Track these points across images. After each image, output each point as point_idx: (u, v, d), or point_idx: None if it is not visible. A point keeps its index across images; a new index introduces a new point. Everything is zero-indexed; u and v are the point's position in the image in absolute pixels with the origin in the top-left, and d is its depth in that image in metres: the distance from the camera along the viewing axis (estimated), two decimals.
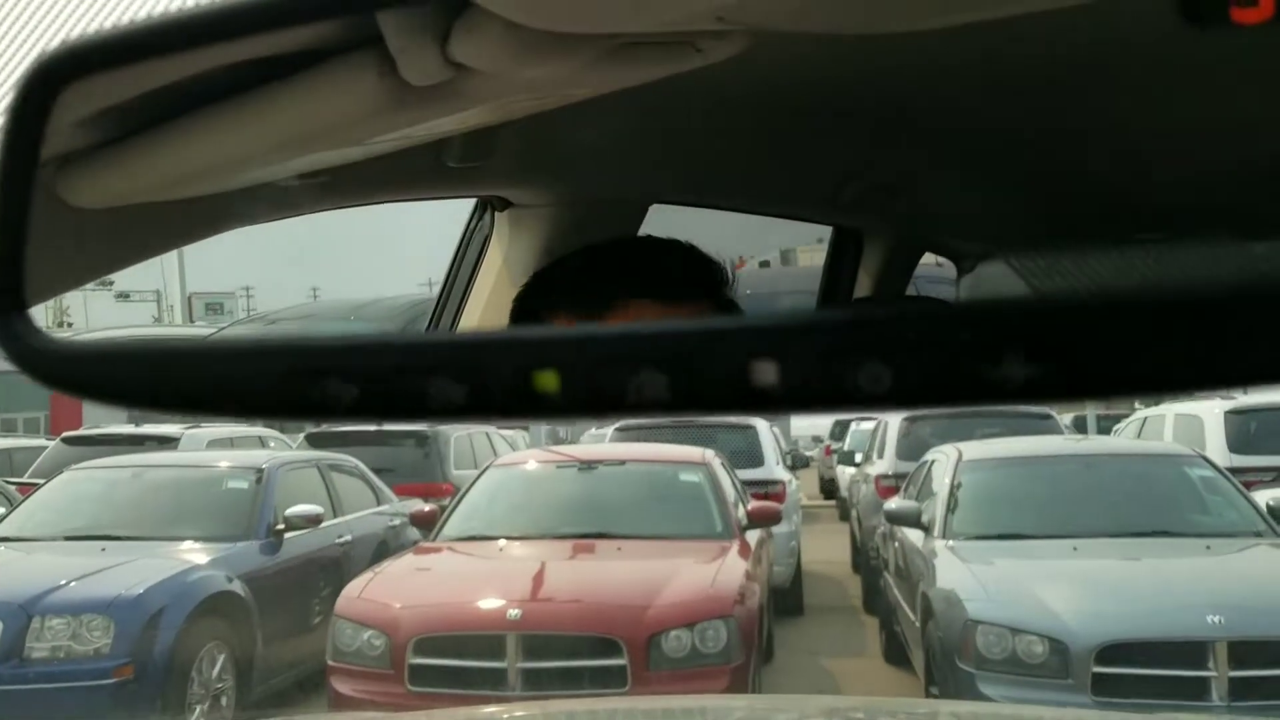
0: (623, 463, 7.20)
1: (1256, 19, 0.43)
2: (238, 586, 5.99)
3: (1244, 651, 4.37)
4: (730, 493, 6.95)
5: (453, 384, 0.42)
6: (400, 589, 5.34)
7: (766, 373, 0.38)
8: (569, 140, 0.98)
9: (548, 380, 0.41)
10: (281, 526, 6.64)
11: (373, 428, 11.56)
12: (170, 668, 5.36)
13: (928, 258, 1.63)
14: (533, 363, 0.41)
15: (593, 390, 0.41)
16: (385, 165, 0.81)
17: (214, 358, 0.49)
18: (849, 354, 0.38)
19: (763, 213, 1.42)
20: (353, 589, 5.41)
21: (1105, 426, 16.69)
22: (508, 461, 7.69)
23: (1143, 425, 10.79)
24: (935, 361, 0.37)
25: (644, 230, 1.18)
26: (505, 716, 2.56)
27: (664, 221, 1.21)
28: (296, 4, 0.50)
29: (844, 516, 14.26)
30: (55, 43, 0.49)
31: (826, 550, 11.95)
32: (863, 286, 1.60)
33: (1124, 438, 10.67)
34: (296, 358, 0.46)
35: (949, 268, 1.62)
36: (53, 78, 0.50)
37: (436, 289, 1.32)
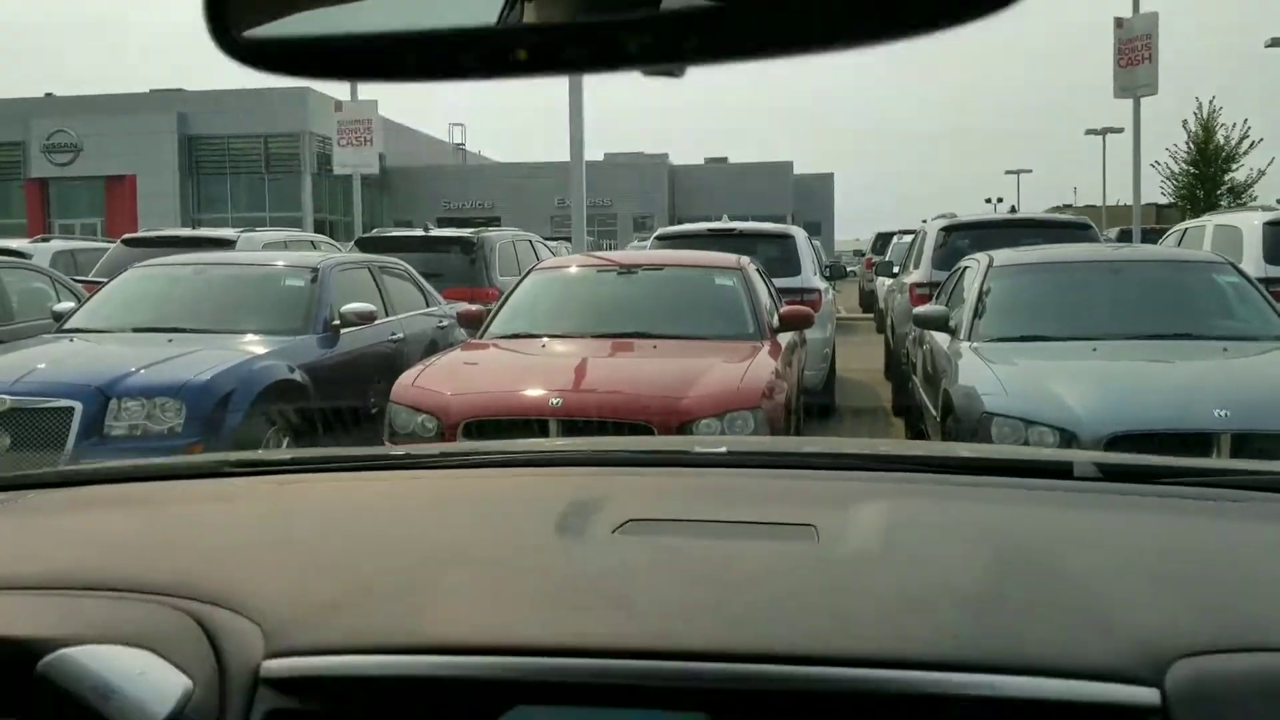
0: (661, 267, 7.37)
1: None
2: (299, 375, 6.34)
3: (1248, 444, 4.52)
4: (764, 298, 7.11)
5: (472, 57, 0.75)
6: (451, 378, 5.63)
7: (632, 45, 0.69)
8: None
9: (521, 54, 0.73)
10: (337, 322, 6.96)
11: (420, 233, 11.98)
12: (237, 448, 5.75)
13: None
14: (515, 43, 0.75)
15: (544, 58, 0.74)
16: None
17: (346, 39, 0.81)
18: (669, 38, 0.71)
19: None
20: (407, 378, 5.72)
21: (1152, 239, 16.58)
22: (551, 265, 7.86)
23: (1183, 236, 10.78)
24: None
25: None
26: (546, 445, 2.83)
27: None
28: None
29: (881, 328, 14.46)
30: None
31: (862, 359, 12.24)
32: None
33: (1165, 248, 10.69)
34: (386, 40, 0.78)
35: None
36: None
37: None
